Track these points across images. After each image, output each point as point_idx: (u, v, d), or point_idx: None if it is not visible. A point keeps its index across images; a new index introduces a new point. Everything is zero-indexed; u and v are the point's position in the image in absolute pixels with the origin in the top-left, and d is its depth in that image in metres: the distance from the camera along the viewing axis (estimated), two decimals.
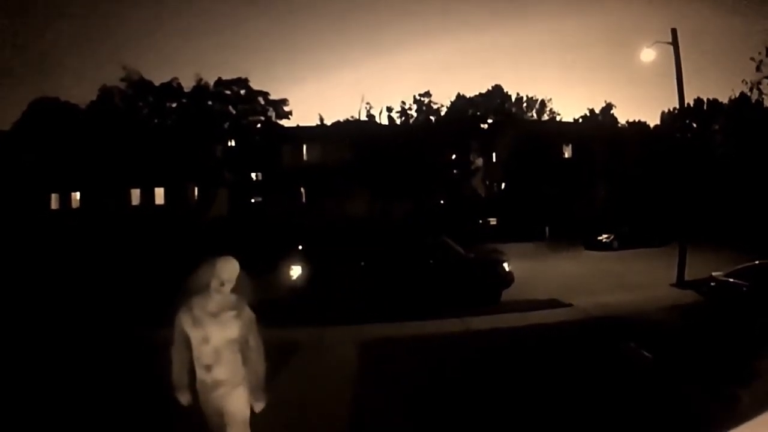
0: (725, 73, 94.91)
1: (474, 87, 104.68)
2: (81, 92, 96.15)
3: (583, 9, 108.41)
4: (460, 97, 55.88)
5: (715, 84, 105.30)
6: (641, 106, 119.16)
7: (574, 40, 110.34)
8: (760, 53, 17.84)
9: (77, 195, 43.52)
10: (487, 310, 11.95)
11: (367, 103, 57.50)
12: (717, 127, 48.60)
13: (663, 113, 54.44)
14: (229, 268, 3.40)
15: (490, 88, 59.95)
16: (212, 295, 3.40)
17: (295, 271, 13.55)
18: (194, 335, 3.39)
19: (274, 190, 43.92)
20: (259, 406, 3.60)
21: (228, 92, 42.14)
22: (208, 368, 3.39)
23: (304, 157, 46.92)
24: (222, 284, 3.36)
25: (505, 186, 49.89)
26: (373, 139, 42.47)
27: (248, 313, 3.50)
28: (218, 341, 3.37)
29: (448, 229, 22.12)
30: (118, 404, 6.03)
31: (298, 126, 46.13)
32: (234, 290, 3.47)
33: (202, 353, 3.39)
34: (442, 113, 50.62)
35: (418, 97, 50.34)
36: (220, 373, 3.40)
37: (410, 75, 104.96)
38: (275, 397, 3.77)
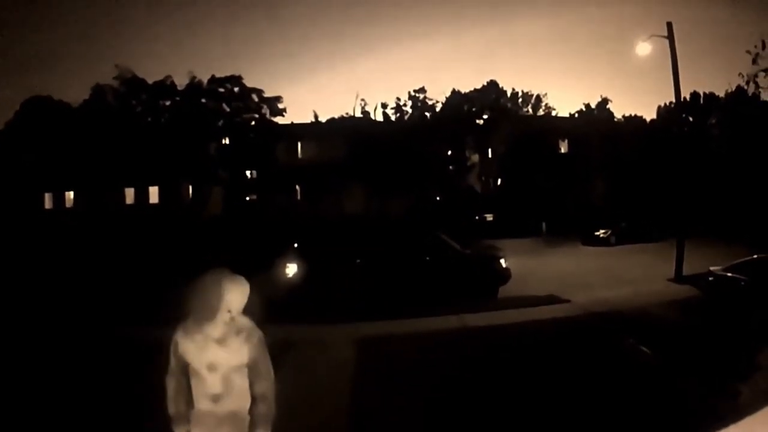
0: (722, 67, 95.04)
1: (469, 82, 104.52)
2: (74, 91, 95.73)
3: (579, 3, 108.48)
4: (455, 93, 55.83)
5: (711, 78, 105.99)
6: (637, 101, 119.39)
7: (570, 34, 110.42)
8: (756, 46, 17.71)
9: (71, 194, 43.41)
10: (484, 306, 11.89)
11: (362, 100, 57.74)
12: (714, 120, 48.74)
13: (659, 107, 54.59)
14: (240, 296, 2.96)
15: (486, 84, 59.80)
16: (219, 324, 2.95)
17: (291, 269, 13.46)
18: (198, 363, 2.99)
19: (269, 188, 43.85)
20: None
21: (222, 90, 42.20)
22: (216, 398, 3.00)
23: (299, 155, 46.91)
24: (232, 317, 2.95)
25: (501, 182, 49.94)
26: (368, 136, 42.49)
27: (258, 334, 3.09)
28: (228, 368, 2.99)
29: (444, 226, 22.06)
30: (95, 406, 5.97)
31: (292, 123, 46.15)
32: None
33: (209, 383, 2.99)
34: (437, 109, 50.68)
35: (413, 93, 50.46)
36: (230, 403, 3.03)
37: (405, 71, 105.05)
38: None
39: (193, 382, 3.03)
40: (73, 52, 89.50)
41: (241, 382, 3.04)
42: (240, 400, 3.05)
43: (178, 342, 3.03)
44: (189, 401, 3.09)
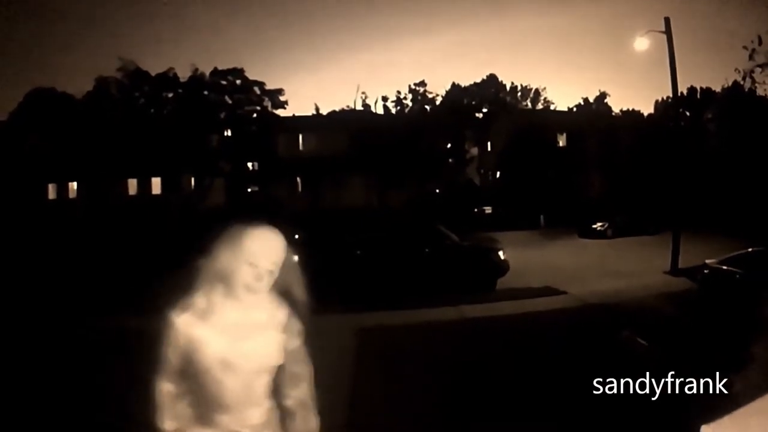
0: (718, 62, 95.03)
1: (469, 76, 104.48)
2: (77, 83, 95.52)
3: None
4: (454, 87, 56.01)
5: (708, 73, 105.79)
6: (635, 95, 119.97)
7: (569, 29, 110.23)
8: (752, 42, 17.85)
9: (74, 185, 43.55)
10: (481, 298, 12.02)
11: (363, 93, 57.67)
12: (710, 115, 48.80)
13: (656, 102, 54.57)
14: (265, 247, 1.98)
15: (485, 78, 59.92)
16: (240, 294, 1.99)
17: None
18: (211, 360, 1.99)
19: (270, 180, 43.95)
20: None
21: (224, 82, 42.19)
22: (229, 409, 2.06)
23: (300, 147, 46.93)
24: (260, 278, 1.96)
25: (499, 175, 50.04)
26: (368, 129, 42.53)
27: (294, 321, 2.16)
28: (253, 368, 2.06)
29: (443, 218, 22.21)
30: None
31: (293, 116, 46.14)
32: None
33: (227, 389, 2.03)
34: (437, 102, 50.78)
35: (413, 87, 50.57)
36: (255, 415, 2.12)
37: (405, 65, 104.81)
38: None
39: (203, 389, 2.06)
40: (76, 44, 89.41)
41: (267, 386, 2.16)
42: (266, 413, 2.18)
43: (179, 326, 2.00)
44: (189, 414, 2.12)
